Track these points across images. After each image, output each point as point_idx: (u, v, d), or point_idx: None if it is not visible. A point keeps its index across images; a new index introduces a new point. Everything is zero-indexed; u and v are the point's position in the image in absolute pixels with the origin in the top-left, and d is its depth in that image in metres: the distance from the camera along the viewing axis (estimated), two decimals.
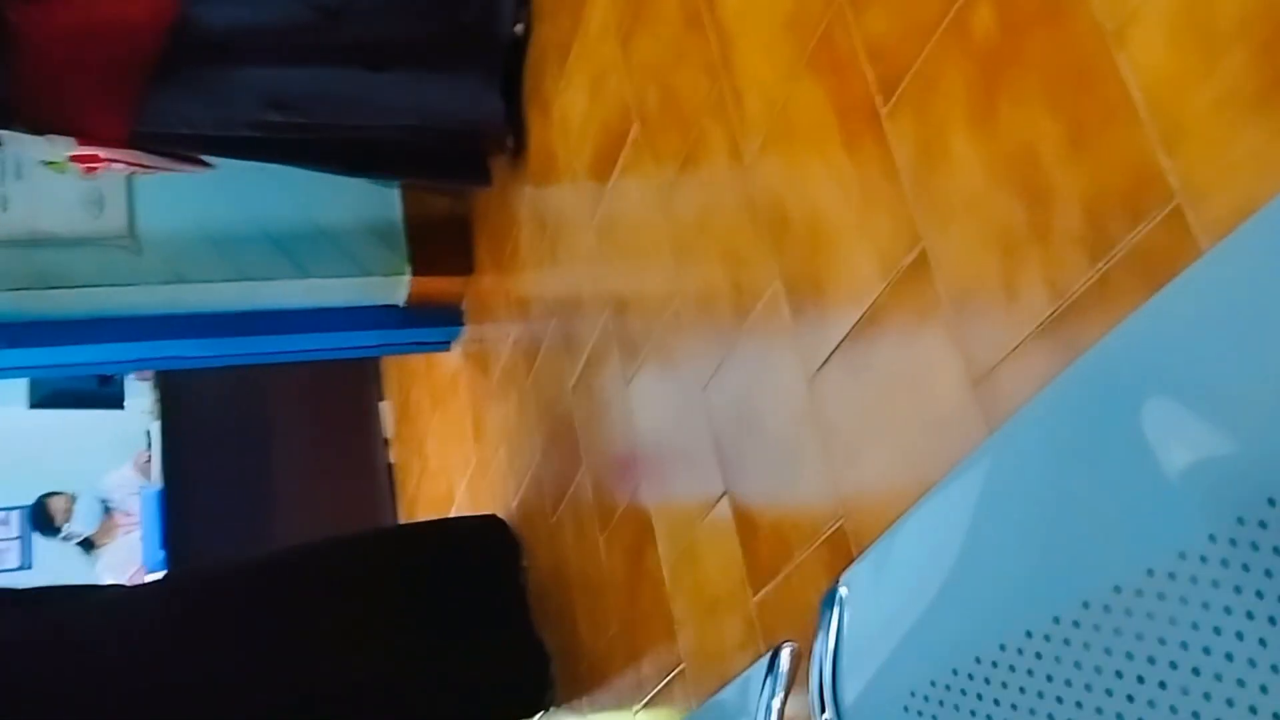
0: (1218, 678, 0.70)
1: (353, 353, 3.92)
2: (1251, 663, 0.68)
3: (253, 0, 2.82)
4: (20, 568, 6.50)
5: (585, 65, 2.53)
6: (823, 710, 1.03)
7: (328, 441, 4.83)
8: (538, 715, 2.94)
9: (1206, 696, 0.70)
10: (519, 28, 2.86)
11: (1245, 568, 0.68)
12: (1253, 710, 0.69)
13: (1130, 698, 0.75)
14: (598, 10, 2.44)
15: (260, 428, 4.82)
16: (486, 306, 3.38)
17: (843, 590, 1.04)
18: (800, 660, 1.16)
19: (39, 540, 6.11)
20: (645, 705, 2.34)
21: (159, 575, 4.70)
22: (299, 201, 3.38)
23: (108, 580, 5.21)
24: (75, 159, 2.77)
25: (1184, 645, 0.72)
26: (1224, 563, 0.69)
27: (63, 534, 5.81)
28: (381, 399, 4.82)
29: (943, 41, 1.43)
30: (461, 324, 3.62)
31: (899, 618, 0.99)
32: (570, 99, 2.62)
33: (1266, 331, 0.69)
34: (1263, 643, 0.67)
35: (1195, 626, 0.71)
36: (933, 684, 0.91)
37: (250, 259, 3.35)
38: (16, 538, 6.56)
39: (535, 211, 2.88)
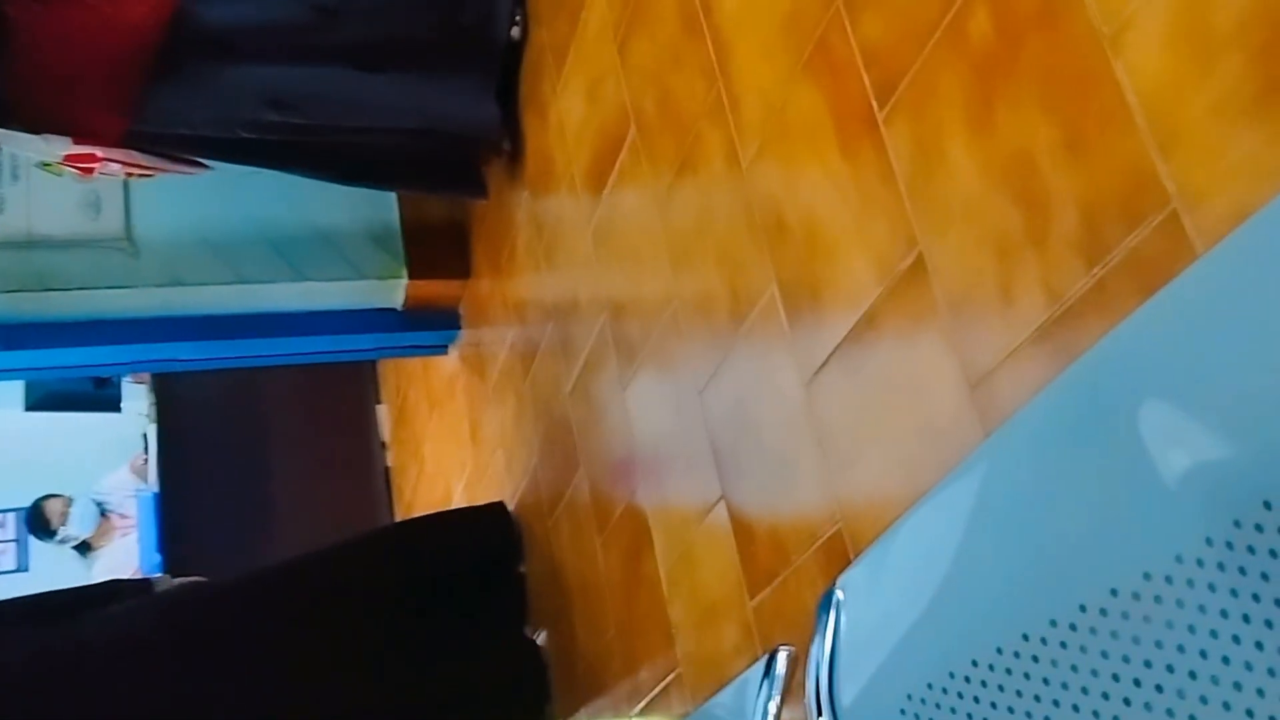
0: (1213, 681, 0.70)
1: (349, 356, 3.92)
2: (1247, 666, 0.68)
3: None
4: (17, 570, 6.50)
5: (582, 69, 2.53)
6: (819, 714, 1.03)
7: (325, 444, 4.83)
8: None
9: (1203, 700, 0.70)
10: (516, 31, 2.86)
11: (1241, 571, 0.68)
12: (1249, 714, 0.69)
13: (1126, 701, 0.75)
14: (595, 14, 2.44)
15: (257, 431, 4.82)
16: (483, 310, 3.38)
17: (839, 594, 1.04)
18: (797, 664, 1.16)
19: (35, 543, 6.10)
20: (642, 709, 2.34)
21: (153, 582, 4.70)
22: (296, 205, 3.38)
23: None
24: (71, 158, 2.76)
25: (1180, 649, 0.72)
26: (1220, 566, 0.69)
27: (59, 537, 5.80)
28: (378, 402, 4.82)
29: (939, 46, 1.44)
30: (458, 327, 3.62)
31: (895, 621, 0.99)
32: (567, 103, 2.62)
33: (1262, 335, 0.69)
34: (1259, 646, 0.67)
35: (1191, 630, 0.71)
36: (929, 687, 0.91)
37: (247, 262, 3.35)
38: (13, 540, 6.55)
39: (532, 215, 2.88)
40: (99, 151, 2.78)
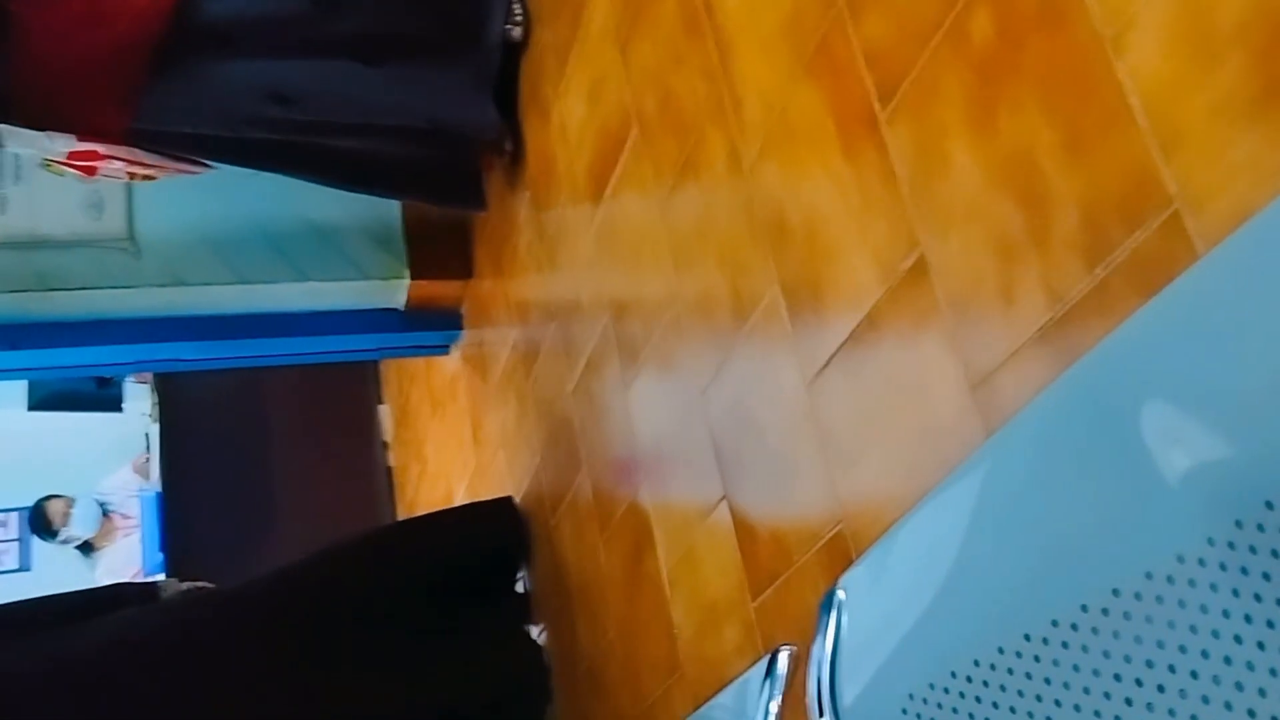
0: (1215, 680, 0.70)
1: (352, 356, 3.92)
2: (1249, 666, 0.68)
3: None
4: (19, 569, 6.50)
5: (584, 70, 2.53)
6: (821, 713, 1.04)
7: (327, 444, 4.83)
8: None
9: (1204, 700, 0.71)
10: (517, 32, 2.86)
11: (1243, 571, 0.68)
12: (1250, 714, 0.69)
13: (1128, 700, 0.75)
14: (597, 15, 2.45)
15: (259, 431, 4.82)
16: (486, 310, 3.38)
17: (841, 593, 1.05)
18: (798, 663, 1.17)
19: (37, 542, 6.10)
20: (644, 709, 2.34)
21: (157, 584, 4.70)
22: (298, 205, 3.38)
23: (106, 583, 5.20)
24: (74, 155, 2.77)
25: (1181, 648, 0.72)
26: (1222, 566, 0.69)
27: (61, 537, 5.80)
28: (380, 402, 4.83)
29: (941, 47, 1.44)
30: (461, 328, 3.62)
31: (897, 621, 1.00)
32: (569, 104, 2.62)
33: (1263, 336, 0.69)
34: (1260, 646, 0.68)
35: (1193, 630, 0.71)
36: (931, 687, 0.92)
37: (249, 262, 3.35)
38: (15, 539, 6.56)
39: (534, 216, 2.88)
40: (102, 149, 2.78)
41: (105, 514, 5.82)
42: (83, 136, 2.79)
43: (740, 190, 1.91)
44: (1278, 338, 0.69)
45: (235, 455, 4.81)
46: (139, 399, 5.67)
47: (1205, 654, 0.70)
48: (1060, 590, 0.80)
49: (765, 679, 1.25)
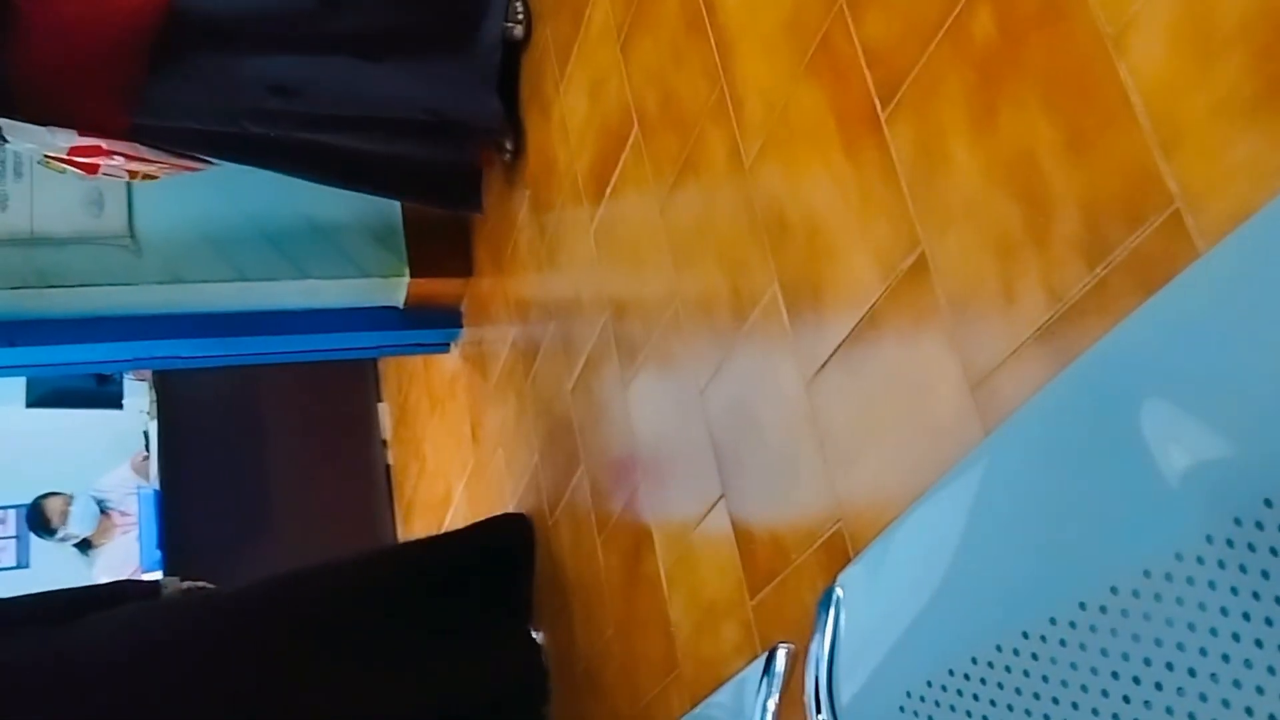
0: (1213, 679, 0.70)
1: (351, 354, 3.92)
2: (1247, 664, 0.68)
3: None
4: (17, 566, 6.50)
5: (585, 68, 2.53)
6: (819, 712, 1.03)
7: (326, 442, 4.83)
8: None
9: (1202, 698, 0.70)
10: (519, 30, 2.86)
11: (1242, 569, 0.68)
12: (1248, 712, 0.69)
13: (1126, 699, 0.75)
14: (598, 13, 2.45)
15: (258, 428, 4.82)
16: (485, 308, 3.38)
17: (839, 591, 1.05)
18: (796, 662, 1.17)
19: (36, 540, 6.10)
20: (642, 708, 2.34)
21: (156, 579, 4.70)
22: (298, 203, 3.38)
23: (105, 580, 5.20)
24: (76, 151, 2.76)
25: (1180, 647, 0.72)
26: (1220, 564, 0.69)
27: (59, 535, 5.80)
28: (379, 400, 4.83)
29: (942, 46, 1.44)
30: (460, 326, 3.62)
31: (896, 618, 0.99)
32: (570, 102, 2.62)
33: (1263, 333, 0.69)
34: (1259, 644, 0.67)
35: (1191, 628, 0.71)
36: (929, 684, 0.91)
37: (249, 259, 3.35)
38: (14, 536, 6.55)
39: (535, 214, 2.88)
40: (104, 144, 2.78)
41: (103, 512, 5.82)
42: (84, 131, 2.78)
43: (741, 189, 1.91)
44: (1278, 335, 0.69)
45: (234, 453, 4.80)
46: (138, 396, 5.67)
47: (1203, 651, 0.70)
48: (1058, 588, 0.80)
49: (763, 677, 1.25)
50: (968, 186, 1.41)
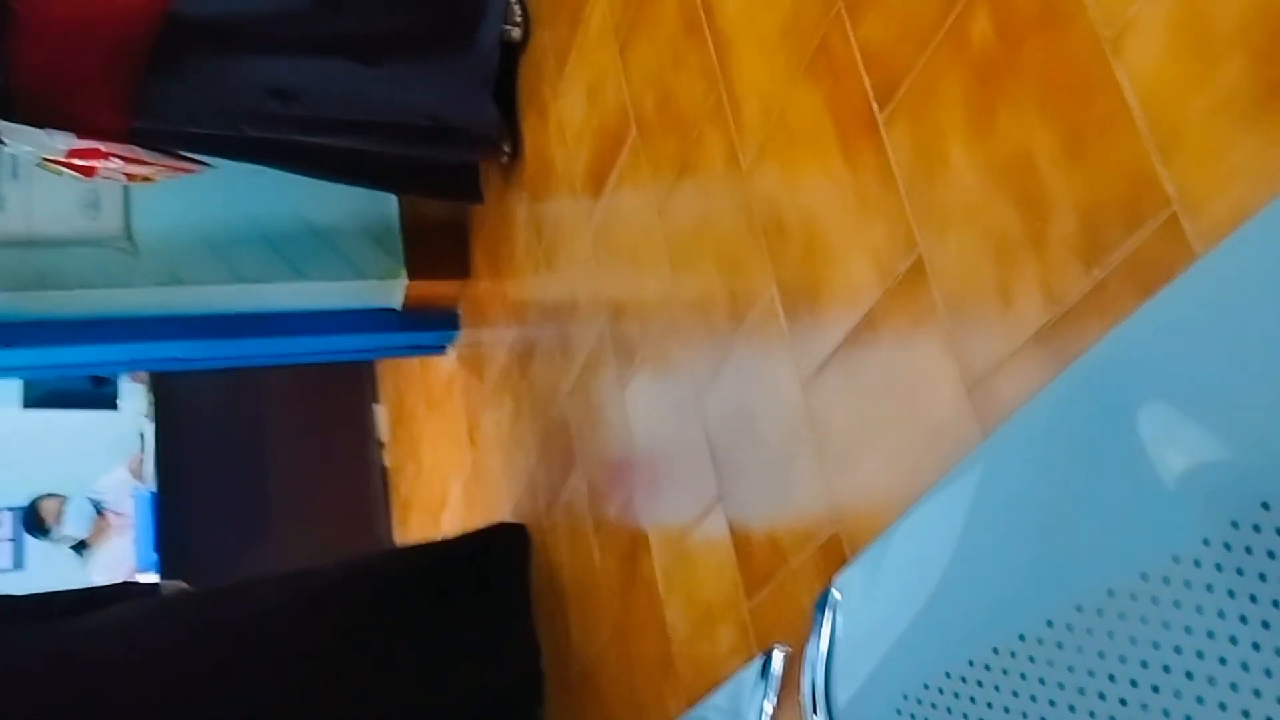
0: (1210, 681, 0.70)
1: (348, 356, 3.92)
2: (1244, 667, 0.68)
3: None
4: (13, 568, 6.49)
5: (583, 70, 2.53)
6: (815, 713, 1.03)
7: (322, 444, 4.83)
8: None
9: (1198, 700, 0.70)
10: (517, 33, 2.86)
11: (1239, 572, 0.68)
12: (1245, 715, 0.69)
13: (1123, 701, 0.75)
14: (596, 15, 2.45)
15: (254, 430, 4.82)
16: (482, 310, 3.38)
17: (836, 594, 1.05)
18: (792, 663, 1.17)
19: (32, 541, 6.09)
20: (637, 710, 2.34)
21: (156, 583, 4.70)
22: (295, 204, 3.38)
23: (101, 582, 5.20)
24: (74, 154, 2.76)
25: (1177, 649, 0.72)
26: (1218, 567, 0.69)
27: (55, 536, 5.79)
28: (376, 402, 4.82)
29: (940, 48, 1.44)
30: (457, 328, 3.62)
31: (892, 621, 0.99)
32: (568, 104, 2.62)
33: (1260, 337, 0.69)
34: (1255, 647, 0.68)
35: (1188, 630, 0.71)
36: (925, 687, 0.91)
37: (246, 261, 3.35)
38: (10, 539, 6.54)
39: (532, 216, 2.88)
40: (102, 147, 2.78)
41: (99, 513, 5.81)
42: (82, 134, 2.78)
43: (738, 191, 1.91)
44: (1275, 338, 0.69)
45: (230, 454, 4.80)
46: (134, 398, 5.66)
47: (1200, 655, 0.70)
48: (1055, 590, 0.80)
49: (759, 679, 1.25)
50: (965, 189, 1.41)
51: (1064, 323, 1.27)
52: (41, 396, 5.85)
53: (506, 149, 2.94)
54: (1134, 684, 0.75)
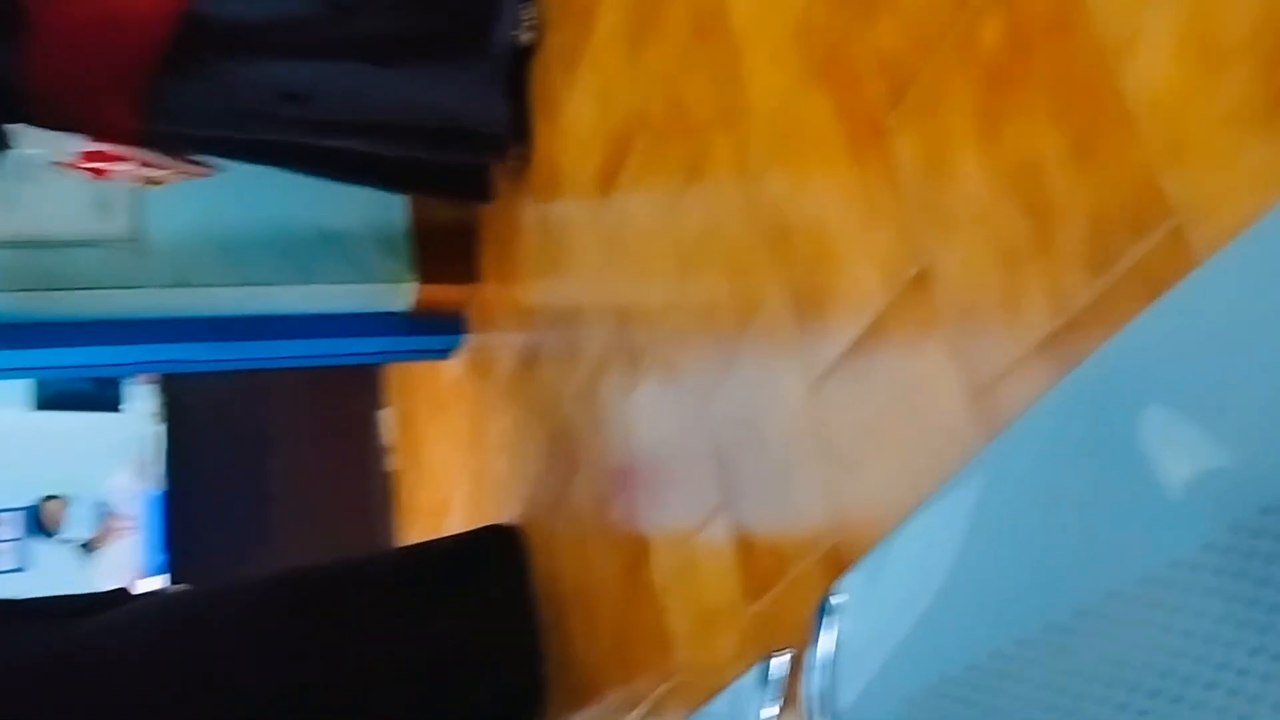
0: (1209, 687, 0.69)
1: (355, 359, 3.93)
2: (1243, 672, 0.68)
3: None
4: (18, 569, 6.50)
5: (593, 74, 2.53)
6: (816, 718, 1.03)
7: (328, 448, 4.83)
8: None
9: (1196, 705, 0.70)
10: (527, 36, 2.86)
11: (1240, 576, 0.68)
12: None
13: (1123, 705, 0.75)
14: (606, 19, 2.45)
15: (261, 433, 4.83)
16: (489, 315, 3.38)
17: (838, 598, 1.04)
18: (794, 669, 1.16)
19: (37, 542, 6.11)
20: (638, 717, 2.33)
21: (160, 586, 4.71)
22: (304, 207, 3.39)
23: (107, 585, 5.21)
24: (85, 156, 2.77)
25: (1177, 653, 0.71)
26: (1218, 571, 0.69)
27: (60, 538, 5.81)
28: (382, 406, 4.83)
29: (950, 55, 1.44)
30: (464, 332, 3.62)
31: (894, 626, 0.99)
32: (577, 108, 2.62)
33: (1262, 342, 0.69)
34: (1254, 652, 0.67)
35: (1189, 635, 0.70)
36: (927, 691, 0.91)
37: (255, 264, 3.35)
38: (16, 539, 6.56)
39: (540, 220, 2.88)
40: (114, 149, 2.79)
41: (105, 514, 5.83)
42: (95, 137, 2.79)
43: (746, 196, 1.91)
44: (1276, 345, 0.68)
45: (237, 457, 4.81)
46: (143, 400, 5.68)
47: (1199, 659, 0.70)
48: (1056, 595, 0.80)
49: (760, 685, 1.24)
50: (973, 196, 1.40)
51: (1070, 330, 1.26)
52: (51, 398, 5.86)
53: (516, 151, 2.95)
54: (1133, 688, 0.74)
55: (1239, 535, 0.68)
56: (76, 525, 5.72)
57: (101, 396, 5.91)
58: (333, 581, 2.90)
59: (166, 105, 2.76)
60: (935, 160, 1.47)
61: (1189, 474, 0.73)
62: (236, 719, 2.55)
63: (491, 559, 3.03)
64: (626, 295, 2.39)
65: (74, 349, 3.34)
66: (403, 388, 4.58)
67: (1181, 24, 1.13)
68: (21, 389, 5.77)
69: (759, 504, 1.91)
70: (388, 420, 4.77)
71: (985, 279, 1.39)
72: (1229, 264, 0.75)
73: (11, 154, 3.06)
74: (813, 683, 1.07)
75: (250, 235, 3.36)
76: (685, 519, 2.14)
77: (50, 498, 5.76)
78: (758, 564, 1.90)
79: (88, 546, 5.84)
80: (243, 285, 3.36)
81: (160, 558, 4.91)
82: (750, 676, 1.29)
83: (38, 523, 5.80)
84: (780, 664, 1.20)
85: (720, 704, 1.36)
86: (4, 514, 6.47)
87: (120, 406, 5.92)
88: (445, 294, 3.52)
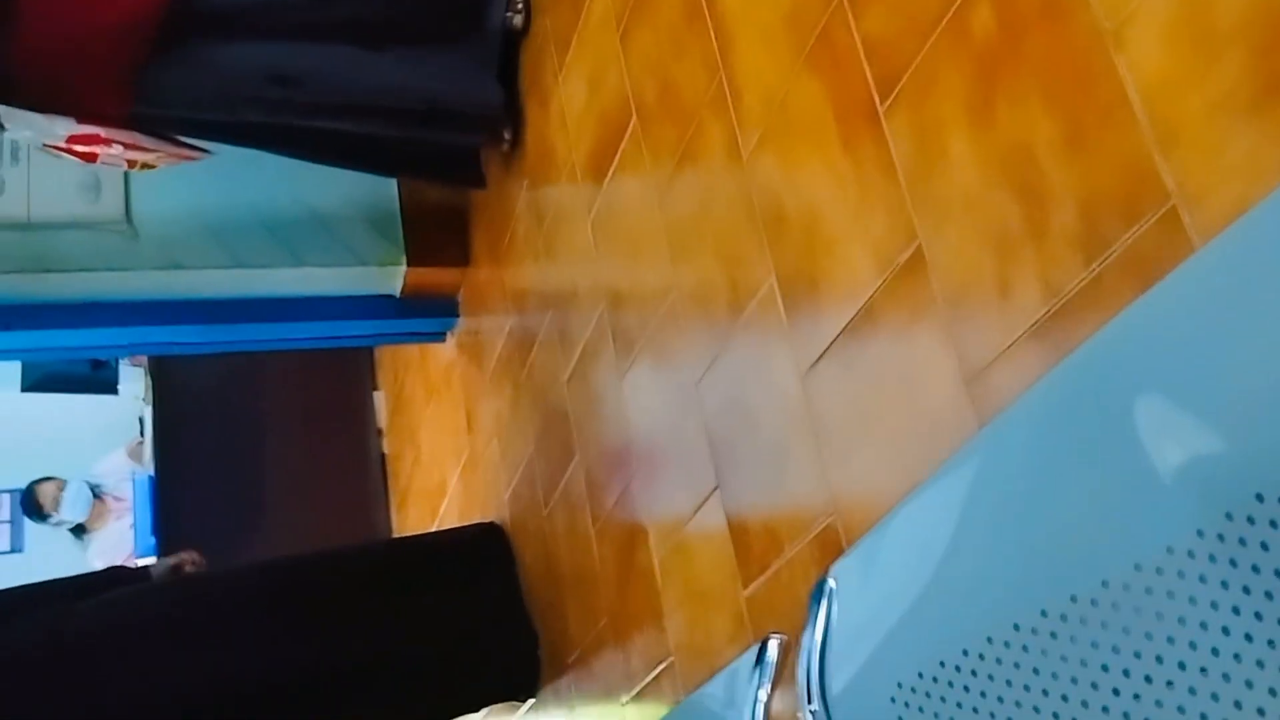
0: (1201, 672, 0.70)
1: (347, 342, 3.92)
2: (1237, 658, 0.69)
3: None
4: (11, 551, 6.51)
5: (585, 58, 2.53)
6: (810, 701, 1.04)
7: (321, 431, 4.83)
8: (525, 701, 2.96)
9: (1191, 691, 0.71)
10: (518, 20, 2.86)
11: (1232, 563, 0.68)
12: (1237, 705, 0.69)
13: (1115, 691, 0.75)
14: (598, 3, 2.45)
15: (253, 416, 4.82)
16: (482, 298, 3.38)
17: (832, 582, 1.05)
18: (788, 652, 1.17)
19: (30, 524, 6.11)
20: (633, 697, 2.35)
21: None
22: (296, 190, 3.38)
23: (99, 565, 5.21)
24: (75, 139, 2.76)
25: (1170, 640, 0.72)
26: (1211, 558, 0.69)
27: (53, 520, 5.81)
28: (375, 389, 4.83)
29: (942, 40, 1.44)
30: (457, 315, 3.62)
31: (887, 610, 1.00)
32: (569, 92, 2.62)
33: (1255, 329, 0.69)
34: (1248, 638, 0.68)
35: (1181, 621, 0.71)
36: (920, 675, 0.92)
37: (246, 246, 3.35)
38: (8, 521, 6.56)
39: (532, 204, 2.88)
40: (103, 132, 2.78)
41: (97, 497, 5.82)
42: (84, 120, 2.78)
43: (738, 181, 1.91)
44: (1271, 331, 0.69)
45: (229, 439, 4.81)
46: (134, 381, 5.67)
47: (1192, 645, 0.71)
48: (1050, 581, 0.80)
49: (755, 667, 1.25)
50: (965, 181, 1.41)
51: (1062, 315, 1.27)
52: (40, 380, 5.85)
53: (508, 135, 2.94)
54: (1126, 673, 0.75)
55: (1233, 522, 0.69)
56: (69, 507, 5.72)
57: (90, 378, 5.91)
58: (324, 570, 2.91)
59: (155, 88, 2.75)
60: (927, 145, 1.47)
61: (1182, 460, 0.74)
62: (226, 706, 2.56)
63: (480, 549, 3.04)
64: (619, 279, 2.39)
65: (65, 331, 3.33)
66: (396, 371, 4.58)
67: (1174, 11, 1.13)
68: (9, 371, 5.76)
69: (753, 488, 1.92)
70: (381, 403, 4.77)
71: (978, 264, 1.39)
72: (1222, 252, 0.75)
73: (1, 136, 3.06)
74: (806, 666, 1.08)
75: (241, 218, 3.35)
76: (680, 502, 2.14)
77: (44, 479, 5.75)
78: (752, 547, 1.91)
79: (81, 528, 5.84)
80: (234, 268, 3.35)
81: (152, 539, 4.90)
82: (745, 659, 1.29)
83: (31, 504, 5.79)
84: (775, 647, 1.21)
85: (715, 686, 1.37)
86: None
87: (110, 388, 5.92)
88: (437, 277, 3.52)
